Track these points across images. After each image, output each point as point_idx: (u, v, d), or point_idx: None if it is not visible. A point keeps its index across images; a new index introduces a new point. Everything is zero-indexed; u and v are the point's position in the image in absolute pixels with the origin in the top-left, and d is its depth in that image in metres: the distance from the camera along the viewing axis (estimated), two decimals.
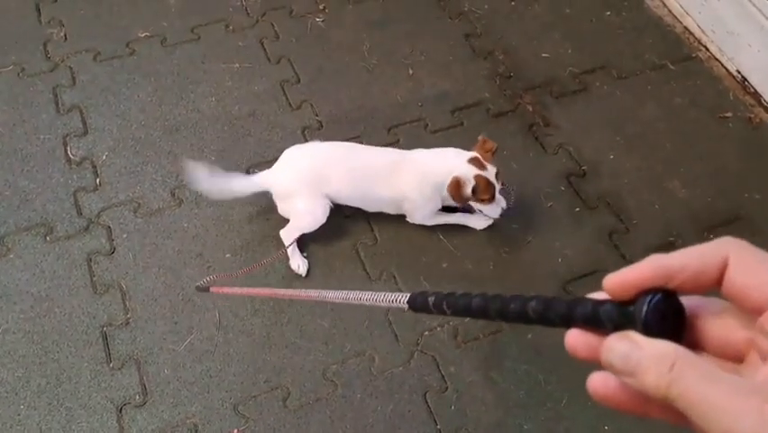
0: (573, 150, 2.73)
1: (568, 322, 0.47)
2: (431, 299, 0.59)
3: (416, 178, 2.33)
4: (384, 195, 2.39)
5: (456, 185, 2.23)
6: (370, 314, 2.29)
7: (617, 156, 2.72)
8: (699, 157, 2.73)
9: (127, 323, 2.26)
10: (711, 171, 2.69)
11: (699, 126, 2.84)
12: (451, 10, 3.23)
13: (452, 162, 2.29)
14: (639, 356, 0.41)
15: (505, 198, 2.36)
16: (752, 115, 2.88)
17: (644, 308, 0.43)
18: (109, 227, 2.46)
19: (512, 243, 2.48)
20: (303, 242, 2.41)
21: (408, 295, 0.63)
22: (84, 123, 2.74)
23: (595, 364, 0.46)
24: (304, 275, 2.36)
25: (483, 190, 2.24)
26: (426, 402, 2.14)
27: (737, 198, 2.61)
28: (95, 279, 2.34)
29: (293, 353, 2.22)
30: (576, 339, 0.47)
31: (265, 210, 2.49)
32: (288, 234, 2.37)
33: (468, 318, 2.25)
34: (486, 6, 3.25)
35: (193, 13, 3.14)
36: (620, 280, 0.45)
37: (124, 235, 2.44)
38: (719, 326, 0.45)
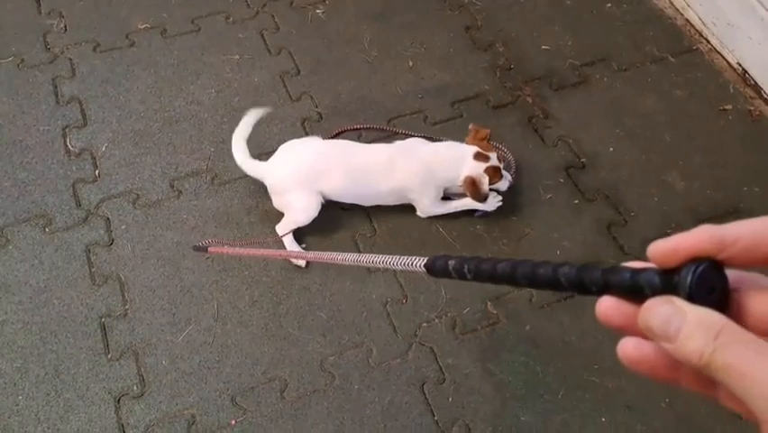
0: (573, 142, 2.73)
1: (603, 289, 0.46)
2: (451, 263, 0.57)
3: (418, 170, 2.35)
4: (384, 189, 2.39)
5: (474, 185, 2.31)
6: (367, 306, 2.29)
7: (617, 148, 2.72)
8: (699, 149, 2.72)
9: (125, 314, 2.26)
10: (711, 164, 2.68)
11: (698, 119, 2.83)
12: (451, 2, 3.22)
13: (460, 163, 2.34)
14: (682, 322, 0.40)
15: (506, 169, 2.48)
16: (752, 108, 2.87)
17: (690, 276, 0.42)
18: (108, 219, 2.46)
19: (510, 234, 2.47)
20: (301, 233, 2.41)
21: (426, 259, 0.61)
22: (83, 114, 2.74)
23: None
24: (303, 266, 2.37)
25: (494, 178, 2.35)
26: (424, 394, 2.14)
27: (737, 191, 2.61)
28: (93, 270, 2.35)
29: (291, 344, 2.22)
30: (610, 306, 0.47)
31: (264, 202, 2.49)
32: (283, 228, 2.38)
33: (467, 309, 2.29)
34: None
35: (193, 5, 3.14)
36: (670, 247, 0.44)
37: (123, 227, 2.45)
38: (763, 302, 0.44)
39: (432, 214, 2.46)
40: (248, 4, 3.16)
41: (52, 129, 2.69)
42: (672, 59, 3.03)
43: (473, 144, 2.37)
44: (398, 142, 2.44)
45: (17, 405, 2.08)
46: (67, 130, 2.69)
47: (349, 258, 0.83)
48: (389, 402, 2.12)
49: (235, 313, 2.27)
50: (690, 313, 0.40)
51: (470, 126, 2.43)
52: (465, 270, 0.55)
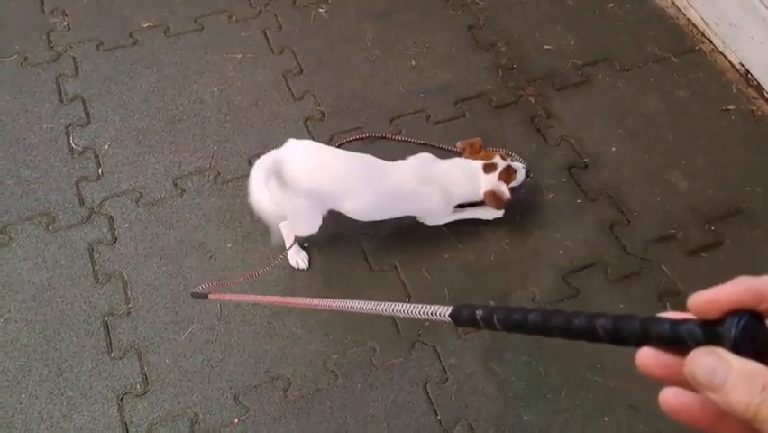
0: (575, 142, 2.73)
1: (642, 341, 0.46)
2: (479, 313, 0.56)
3: (439, 195, 2.30)
4: (403, 211, 2.35)
5: (496, 198, 2.30)
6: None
7: (619, 148, 2.72)
8: (701, 150, 2.73)
9: (128, 313, 2.26)
10: (713, 164, 2.69)
11: (701, 119, 2.83)
12: (454, 1, 3.22)
13: (473, 179, 2.32)
14: (727, 373, 0.40)
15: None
16: (754, 108, 2.88)
17: (734, 327, 0.42)
18: (111, 217, 2.46)
19: (513, 234, 2.48)
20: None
21: (451, 307, 0.59)
22: (86, 112, 2.74)
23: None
24: (306, 268, 2.37)
25: (510, 178, 2.35)
26: (427, 393, 2.14)
27: (739, 191, 2.61)
28: (96, 268, 2.35)
29: (294, 343, 2.22)
30: (649, 357, 0.47)
31: None
32: (288, 241, 2.32)
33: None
34: None
35: (196, 4, 3.14)
36: (709, 299, 0.44)
37: (126, 225, 2.45)
38: None
39: (436, 224, 2.45)
40: (251, 4, 3.16)
41: (56, 127, 2.70)
42: (674, 60, 3.03)
43: (473, 158, 2.36)
44: (414, 161, 2.31)
45: (20, 403, 2.08)
46: (70, 128, 2.69)
47: (368, 306, 0.79)
48: (392, 401, 2.13)
49: (238, 312, 2.27)
50: (736, 364, 0.41)
51: (459, 144, 2.42)
52: (494, 320, 0.54)
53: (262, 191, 1.93)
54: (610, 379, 2.16)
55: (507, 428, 2.09)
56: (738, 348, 0.41)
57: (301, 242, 2.38)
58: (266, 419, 2.08)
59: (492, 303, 2.28)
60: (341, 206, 2.20)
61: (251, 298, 1.90)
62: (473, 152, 2.37)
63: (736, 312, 0.43)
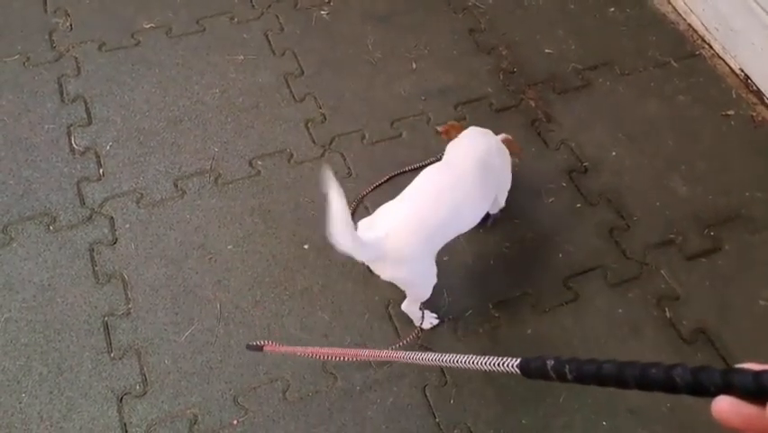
0: (575, 146, 2.74)
1: (722, 390, 0.46)
2: (549, 363, 0.56)
3: (497, 141, 2.23)
4: (494, 190, 2.23)
5: (511, 142, 2.28)
6: (370, 307, 2.30)
7: (619, 153, 2.73)
8: (701, 155, 2.73)
9: (128, 313, 2.27)
10: (713, 169, 2.69)
11: (701, 124, 2.84)
12: (455, 5, 3.23)
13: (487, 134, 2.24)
14: None
15: None
16: (754, 114, 2.88)
17: None
18: (112, 218, 2.47)
19: (513, 238, 2.48)
20: (306, 231, 2.41)
21: (520, 359, 0.59)
22: (88, 113, 2.75)
23: None
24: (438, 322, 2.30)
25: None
26: (426, 396, 2.15)
27: (739, 197, 2.62)
28: (97, 269, 2.35)
29: (293, 345, 2.22)
30: (728, 408, 0.47)
31: (266, 203, 2.50)
32: (414, 313, 2.21)
33: (469, 312, 2.29)
34: (490, 1, 3.26)
35: (198, 5, 3.15)
36: None
37: (127, 226, 2.45)
38: None
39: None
40: (253, 5, 3.17)
41: (57, 127, 2.70)
42: (674, 64, 3.04)
43: (452, 137, 2.25)
44: (465, 142, 2.19)
45: (20, 403, 2.09)
46: (71, 128, 2.70)
47: (431, 357, 0.78)
48: (391, 404, 2.13)
49: (238, 313, 2.28)
50: None
51: (441, 128, 2.32)
52: (566, 370, 0.55)
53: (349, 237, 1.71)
54: (610, 393, 2.15)
55: (505, 432, 2.09)
56: None
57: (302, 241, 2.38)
58: (265, 420, 2.08)
59: (491, 304, 2.30)
60: (454, 228, 2.06)
61: (308, 350, 1.80)
62: (456, 132, 2.25)
63: None
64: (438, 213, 1.94)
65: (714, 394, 0.46)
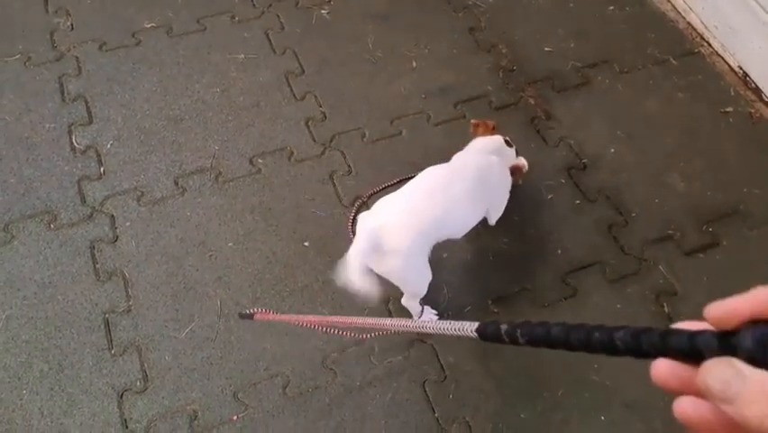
0: (574, 143, 2.74)
1: (660, 352, 0.46)
2: (503, 328, 0.57)
3: (505, 170, 2.30)
4: (487, 204, 2.24)
5: (520, 171, 2.37)
6: (370, 304, 2.30)
7: (618, 150, 2.73)
8: (700, 152, 2.74)
9: (129, 310, 2.28)
10: (711, 166, 2.70)
11: (699, 121, 2.85)
12: (455, 3, 3.24)
13: (504, 156, 2.30)
14: (742, 385, 0.39)
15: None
16: (752, 111, 2.89)
17: (750, 338, 0.41)
18: (112, 215, 2.48)
19: (511, 234, 2.49)
20: (306, 231, 2.42)
21: (477, 324, 0.61)
22: (89, 112, 2.76)
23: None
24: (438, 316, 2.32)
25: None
26: (425, 391, 2.15)
27: (737, 193, 2.62)
28: (97, 266, 2.37)
29: (293, 341, 2.23)
30: (665, 370, 0.46)
31: (267, 201, 2.51)
32: (414, 307, 2.23)
33: (468, 308, 2.30)
34: (490, 0, 3.26)
35: (199, 4, 3.16)
36: (726, 310, 0.44)
37: (127, 224, 2.47)
38: None
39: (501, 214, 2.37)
40: (254, 4, 3.18)
41: (58, 126, 2.72)
42: (673, 62, 3.05)
43: (486, 135, 2.32)
44: (469, 152, 2.27)
45: (21, 399, 2.10)
46: (72, 127, 2.71)
47: (397, 323, 0.84)
48: (390, 399, 2.14)
49: (238, 309, 2.29)
50: (751, 376, 0.40)
51: (473, 121, 2.38)
52: (518, 334, 0.55)
53: (364, 280, 1.78)
54: (607, 378, 2.17)
55: (504, 427, 2.10)
56: (755, 359, 0.40)
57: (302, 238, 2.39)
58: (264, 416, 2.09)
59: (490, 300, 2.31)
60: (445, 230, 2.07)
61: (296, 318, 1.81)
62: (486, 131, 2.33)
63: (754, 323, 0.42)
64: (432, 210, 1.98)
65: (653, 356, 0.46)
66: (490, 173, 2.18)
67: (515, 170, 2.33)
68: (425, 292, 2.14)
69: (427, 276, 2.08)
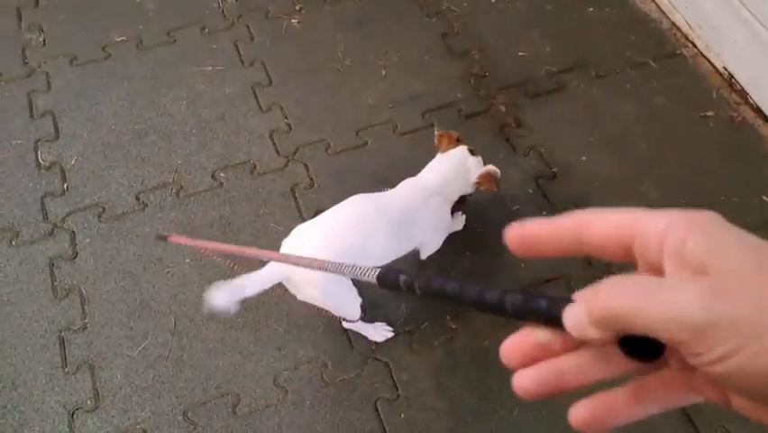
0: (545, 151, 2.67)
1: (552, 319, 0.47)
2: (402, 277, 0.57)
3: (443, 206, 2.18)
4: (414, 239, 2.16)
5: (492, 178, 2.18)
6: (325, 320, 2.26)
7: (590, 157, 2.66)
8: (676, 158, 2.65)
9: (84, 327, 2.27)
10: (688, 173, 2.61)
11: (677, 126, 2.75)
12: (429, 9, 3.18)
13: (466, 168, 2.18)
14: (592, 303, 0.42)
15: None
16: (734, 114, 2.79)
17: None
18: (73, 232, 2.48)
19: (475, 246, 2.43)
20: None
21: (378, 270, 0.62)
22: (56, 128, 2.77)
23: None
24: (393, 334, 2.26)
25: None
26: (377, 410, 2.11)
27: (714, 202, 2.52)
28: (56, 283, 2.37)
29: (245, 358, 2.21)
30: (511, 346, 0.50)
31: (226, 215, 2.49)
32: (357, 327, 2.22)
33: (425, 324, 2.25)
34: (465, 4, 3.20)
35: (170, 16, 3.15)
36: (526, 234, 0.49)
37: (87, 240, 2.46)
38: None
39: (437, 249, 2.28)
40: (224, 15, 3.16)
41: (25, 143, 2.73)
42: (653, 65, 2.96)
43: (450, 147, 2.22)
44: (407, 183, 2.17)
45: None
46: (39, 143, 2.72)
47: (304, 261, 0.85)
48: (341, 419, 2.10)
49: (192, 327, 2.27)
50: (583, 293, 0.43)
51: (437, 134, 2.31)
52: (415, 285, 0.55)
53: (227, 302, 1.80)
54: (564, 398, 2.10)
55: None
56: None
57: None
58: None
59: (448, 315, 2.26)
60: (362, 261, 2.02)
61: (206, 244, 1.79)
62: (450, 142, 2.23)
63: None
64: (346, 240, 1.92)
65: (537, 321, 0.48)
66: (420, 214, 2.07)
67: (484, 179, 2.22)
68: (357, 315, 2.08)
69: (352, 301, 2.03)
